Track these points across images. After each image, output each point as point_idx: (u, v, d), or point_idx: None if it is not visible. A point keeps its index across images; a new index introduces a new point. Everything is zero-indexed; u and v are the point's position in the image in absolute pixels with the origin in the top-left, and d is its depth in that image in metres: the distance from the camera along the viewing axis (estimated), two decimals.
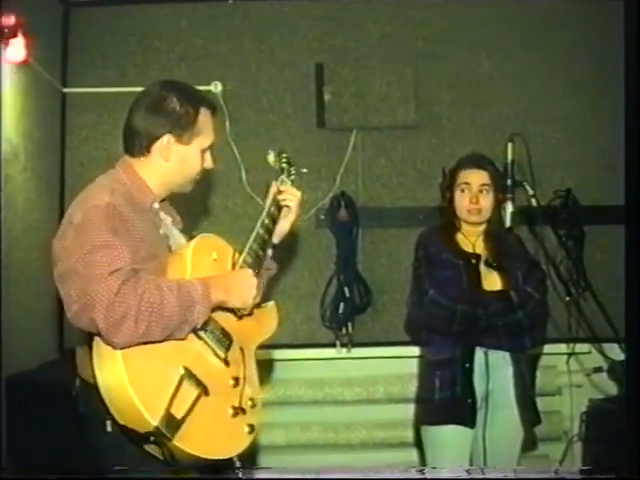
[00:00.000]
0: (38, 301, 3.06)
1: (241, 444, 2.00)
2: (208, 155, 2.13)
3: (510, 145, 2.86)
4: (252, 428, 2.02)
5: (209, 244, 2.10)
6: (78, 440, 2.02)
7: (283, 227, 2.30)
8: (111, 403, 1.87)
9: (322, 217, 3.72)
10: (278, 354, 3.54)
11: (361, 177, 3.75)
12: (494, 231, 2.79)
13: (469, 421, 2.71)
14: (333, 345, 3.67)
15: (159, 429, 1.83)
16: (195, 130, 2.07)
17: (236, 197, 3.65)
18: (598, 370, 3.58)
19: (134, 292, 1.84)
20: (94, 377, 1.89)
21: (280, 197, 2.28)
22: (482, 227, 2.81)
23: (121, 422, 1.87)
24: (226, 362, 2.03)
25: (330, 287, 3.70)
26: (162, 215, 2.12)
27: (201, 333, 1.97)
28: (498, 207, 2.80)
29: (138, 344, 1.86)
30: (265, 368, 3.43)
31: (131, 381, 1.84)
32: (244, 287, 2.03)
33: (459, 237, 2.80)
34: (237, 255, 2.12)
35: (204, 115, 2.09)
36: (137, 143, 2.07)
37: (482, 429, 2.71)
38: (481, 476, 2.57)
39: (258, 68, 3.70)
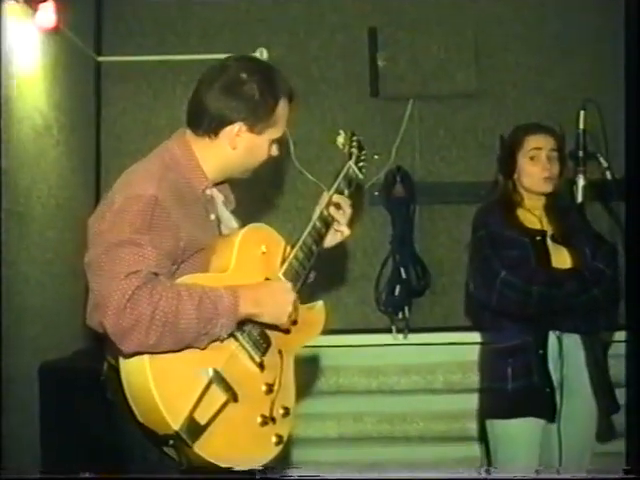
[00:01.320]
0: (73, 284, 3.00)
1: (266, 455, 1.95)
2: (276, 145, 2.07)
3: (582, 113, 2.81)
4: (280, 439, 1.97)
5: (259, 236, 2.04)
6: (106, 429, 2.00)
7: (330, 240, 2.22)
8: (132, 400, 1.84)
9: (376, 193, 3.68)
10: (330, 340, 3.32)
11: (418, 150, 3.71)
12: (557, 204, 2.73)
13: (548, 413, 2.66)
14: (389, 331, 3.63)
15: (179, 434, 1.80)
16: (271, 121, 2.00)
17: (284, 173, 3.61)
18: None
19: (149, 299, 1.77)
20: (119, 369, 1.87)
21: (331, 212, 2.18)
22: (544, 200, 2.73)
23: (141, 420, 1.84)
24: (261, 366, 1.98)
25: (385, 269, 3.66)
26: (214, 193, 2.06)
27: (237, 334, 1.92)
28: (562, 178, 2.77)
29: None
30: (315, 355, 3.40)
31: (155, 380, 1.80)
32: (279, 302, 1.95)
33: (520, 213, 2.75)
34: (288, 249, 2.06)
35: (283, 106, 2.02)
36: (206, 123, 1.98)
37: (557, 420, 2.66)
38: (556, 476, 2.54)
39: (307, 33, 3.68)
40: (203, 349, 1.84)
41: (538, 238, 2.68)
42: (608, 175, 2.71)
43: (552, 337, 2.67)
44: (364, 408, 3.59)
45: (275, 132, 2.02)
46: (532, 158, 2.71)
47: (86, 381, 2.15)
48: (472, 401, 3.22)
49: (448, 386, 3.59)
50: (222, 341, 1.87)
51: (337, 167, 2.29)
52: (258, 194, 3.58)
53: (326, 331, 3.43)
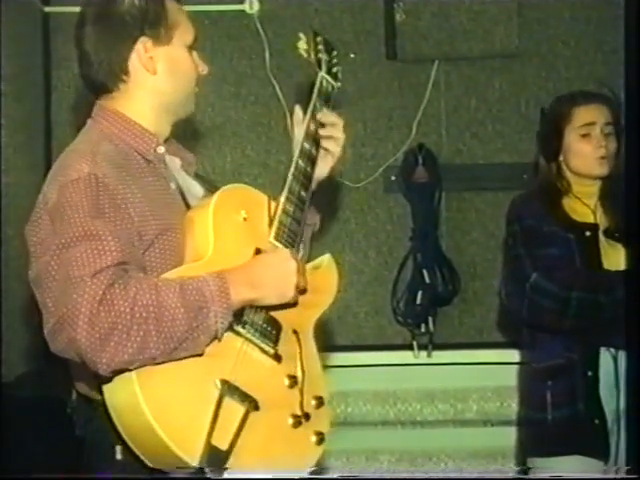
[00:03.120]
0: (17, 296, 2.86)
1: (309, 459, 1.93)
2: (196, 55, 2.01)
3: None
4: (321, 436, 1.93)
5: (234, 200, 1.96)
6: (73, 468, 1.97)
7: (321, 172, 2.12)
8: (131, 441, 1.80)
9: (393, 178, 3.58)
10: (336, 359, 3.34)
11: (445, 124, 3.60)
12: (615, 190, 2.61)
13: (598, 450, 2.54)
14: (409, 347, 3.54)
15: (202, 470, 1.79)
16: (170, 22, 1.96)
17: (279, 149, 3.47)
18: None
19: (124, 295, 1.75)
20: (104, 401, 1.82)
21: (312, 128, 2.09)
22: (599, 186, 2.64)
23: (148, 464, 1.81)
24: (277, 357, 1.94)
25: (404, 270, 3.57)
26: (168, 159, 2.00)
27: (238, 328, 1.87)
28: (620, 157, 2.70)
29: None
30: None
31: (153, 412, 1.75)
32: (279, 276, 1.89)
33: (567, 202, 2.68)
34: (273, 205, 2.00)
35: (171, 5, 1.98)
36: (104, 70, 1.94)
37: (614, 462, 2.53)
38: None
39: None
40: (201, 356, 1.80)
41: (588, 233, 2.58)
42: None
43: (605, 356, 2.55)
44: (379, 443, 3.51)
45: (184, 34, 1.97)
46: (584, 135, 2.60)
47: (45, 413, 2.14)
48: (512, 436, 3.13)
49: (483, 416, 3.52)
50: (221, 340, 1.83)
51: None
52: (248, 176, 3.48)
53: (332, 347, 3.35)
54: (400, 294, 3.55)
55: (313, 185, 2.09)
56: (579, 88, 2.92)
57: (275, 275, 1.89)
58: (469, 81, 3.59)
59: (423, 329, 3.53)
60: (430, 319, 3.53)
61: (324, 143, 2.09)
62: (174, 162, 2.03)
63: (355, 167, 3.47)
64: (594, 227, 2.60)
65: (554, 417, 2.57)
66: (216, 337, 1.82)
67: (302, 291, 1.94)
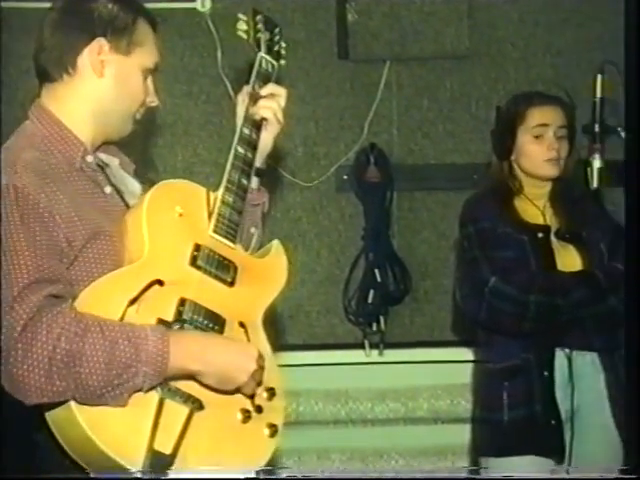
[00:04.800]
0: None
1: (263, 453, 1.89)
2: (151, 85, 1.98)
3: (599, 78, 2.74)
4: (275, 428, 1.90)
5: (169, 196, 1.91)
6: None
7: (265, 144, 2.09)
8: (74, 453, 1.76)
9: (345, 177, 3.62)
10: (288, 358, 3.25)
11: (396, 124, 3.64)
12: (566, 191, 2.69)
13: (554, 451, 2.59)
14: (361, 346, 3.58)
15: (144, 477, 1.76)
16: (134, 38, 1.93)
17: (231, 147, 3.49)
18: None
19: (47, 335, 1.68)
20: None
21: (252, 110, 2.05)
22: (549, 187, 2.70)
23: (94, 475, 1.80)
24: None
25: (356, 270, 3.60)
26: (105, 158, 1.97)
27: (175, 326, 1.83)
28: (571, 159, 2.77)
29: None
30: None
31: (89, 423, 1.71)
32: (232, 368, 1.80)
33: (519, 203, 2.69)
34: (213, 197, 1.96)
35: (144, 26, 1.96)
36: (56, 55, 1.90)
37: (567, 461, 2.60)
38: (553, 476, 2.59)
39: None
40: (123, 406, 1.73)
41: (540, 235, 2.62)
42: None
43: (560, 356, 2.60)
44: (330, 442, 3.54)
45: (145, 56, 1.94)
46: (537, 136, 2.65)
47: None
48: (463, 434, 3.17)
49: (433, 414, 3.56)
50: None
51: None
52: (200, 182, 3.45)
53: (283, 347, 3.36)
54: (352, 293, 3.57)
55: (259, 163, 2.06)
56: (527, 89, 2.93)
57: (228, 364, 1.81)
58: (420, 81, 3.61)
59: (374, 328, 3.54)
60: (381, 318, 3.55)
61: (262, 112, 2.05)
62: (112, 161, 2.00)
63: (307, 166, 3.51)
64: (546, 229, 2.65)
65: (510, 417, 2.59)
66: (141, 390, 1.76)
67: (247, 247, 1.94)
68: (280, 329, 3.44)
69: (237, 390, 1.82)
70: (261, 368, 1.83)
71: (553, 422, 2.56)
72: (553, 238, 2.65)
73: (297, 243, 3.52)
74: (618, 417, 2.60)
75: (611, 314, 2.57)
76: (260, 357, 1.83)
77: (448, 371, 3.47)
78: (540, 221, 2.66)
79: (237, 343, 1.85)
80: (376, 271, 3.55)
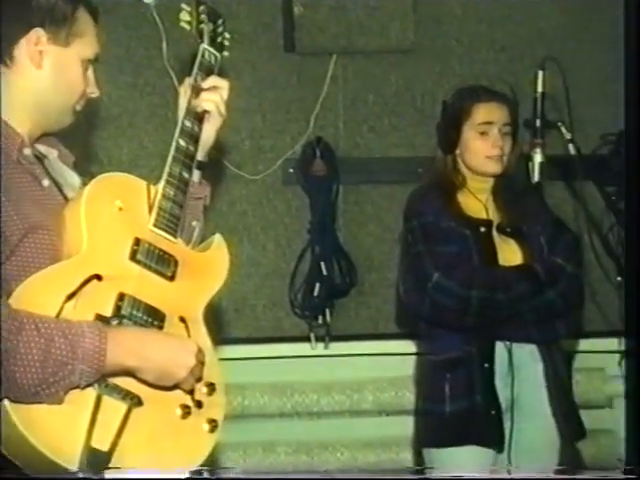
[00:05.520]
0: None
1: (202, 449, 1.87)
2: (92, 75, 1.96)
3: (541, 73, 2.78)
4: (215, 423, 1.87)
5: (108, 189, 1.89)
6: None
7: (207, 137, 2.07)
8: (11, 454, 1.73)
9: (291, 171, 3.62)
10: (234, 351, 3.35)
11: (342, 118, 3.65)
12: (506, 186, 2.72)
13: (494, 440, 2.63)
14: (306, 339, 3.60)
15: (82, 474, 1.74)
16: (74, 29, 1.90)
17: None
18: None
19: None
20: None
21: (194, 102, 2.03)
22: (492, 182, 2.72)
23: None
24: None
25: (302, 263, 3.62)
26: (44, 149, 1.94)
27: (114, 322, 1.81)
28: (514, 155, 2.78)
29: None
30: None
31: (24, 423, 1.69)
32: (171, 364, 1.79)
33: (462, 197, 2.71)
34: (153, 191, 1.93)
35: (84, 17, 1.94)
36: None
37: (507, 449, 2.64)
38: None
39: None
40: (59, 403, 1.71)
41: (483, 229, 2.64)
42: (571, 149, 2.68)
43: (500, 348, 2.64)
44: (276, 435, 3.55)
45: (85, 47, 1.91)
46: (481, 133, 2.66)
47: None
48: (407, 425, 3.19)
49: (378, 407, 3.57)
50: None
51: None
52: (147, 178, 3.43)
53: (228, 340, 3.37)
54: (298, 286, 3.57)
55: (200, 157, 2.05)
56: (472, 84, 2.92)
57: (167, 360, 1.79)
58: (366, 75, 3.62)
59: (320, 321, 3.57)
60: (327, 311, 3.57)
61: (204, 105, 2.03)
62: (51, 154, 1.98)
63: (253, 159, 3.51)
64: (488, 223, 2.67)
65: (452, 409, 2.62)
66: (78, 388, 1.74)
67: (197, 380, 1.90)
68: (226, 323, 3.46)
69: (176, 386, 1.81)
70: (201, 363, 1.81)
71: (493, 412, 2.60)
72: (495, 232, 2.66)
73: (243, 236, 3.52)
74: (555, 406, 2.65)
75: (549, 307, 2.61)
76: (200, 352, 1.81)
77: (393, 364, 3.49)
78: (483, 215, 2.68)
79: (176, 338, 1.84)
80: (322, 264, 3.56)
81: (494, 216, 2.69)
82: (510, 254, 2.66)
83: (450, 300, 2.59)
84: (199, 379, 1.84)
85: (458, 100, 2.73)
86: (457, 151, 2.70)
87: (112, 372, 1.75)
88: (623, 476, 2.23)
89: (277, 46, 3.57)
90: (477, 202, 2.69)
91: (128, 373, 1.77)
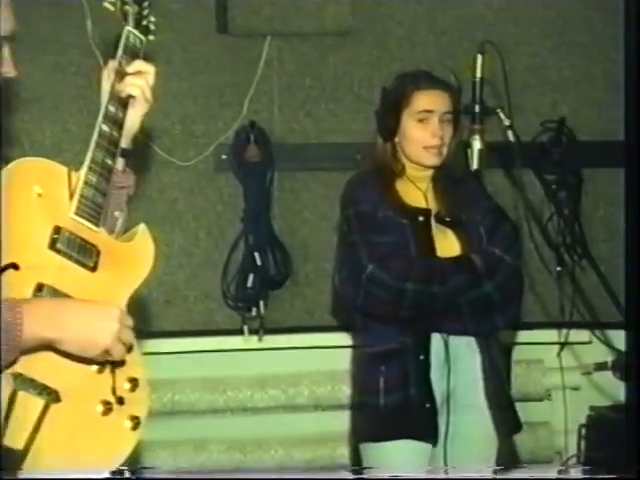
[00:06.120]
0: None
1: (124, 446, 1.87)
2: (7, 53, 1.89)
3: (479, 58, 2.79)
4: (137, 421, 1.87)
5: (26, 174, 1.86)
6: None
7: (132, 123, 2.05)
8: None
9: (224, 157, 3.61)
10: (164, 345, 3.41)
11: (277, 102, 3.65)
12: (446, 174, 2.73)
13: (428, 434, 2.66)
14: (239, 332, 3.59)
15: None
16: None
17: None
18: (601, 367, 3.55)
19: None
20: None
21: (119, 87, 2.01)
22: (431, 171, 2.73)
23: None
24: None
25: (235, 253, 3.62)
26: None
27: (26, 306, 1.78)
28: (455, 143, 2.79)
29: None
30: (146, 363, 3.32)
31: None
32: (95, 327, 1.76)
33: (401, 186, 2.71)
34: (75, 177, 1.91)
35: None
36: None
37: (443, 442, 2.67)
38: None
39: None
40: None
41: (421, 219, 2.66)
42: (510, 136, 2.66)
43: (437, 340, 2.66)
44: (208, 433, 3.55)
45: None
46: (421, 121, 2.67)
47: None
48: (345, 421, 3.21)
49: (314, 401, 3.59)
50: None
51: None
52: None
53: (157, 333, 3.35)
54: (231, 277, 3.58)
55: (125, 144, 2.03)
56: (412, 69, 2.92)
57: (88, 327, 1.77)
58: (302, 58, 3.62)
59: (254, 313, 3.57)
60: (261, 303, 3.57)
61: (129, 89, 2.01)
62: None
63: (185, 145, 3.50)
64: (426, 212, 2.68)
65: (387, 402, 2.64)
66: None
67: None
68: (156, 315, 3.45)
69: (105, 355, 1.78)
70: (127, 327, 1.79)
71: (427, 405, 2.62)
72: (433, 222, 2.68)
73: (174, 225, 3.52)
74: (491, 399, 2.67)
75: (486, 299, 2.63)
76: (124, 316, 1.79)
77: (329, 357, 3.52)
78: (422, 204, 2.69)
79: (96, 304, 1.81)
80: (256, 254, 3.56)
81: (433, 205, 2.70)
82: (448, 244, 2.68)
83: (384, 292, 2.61)
84: (129, 348, 1.81)
85: (399, 86, 2.73)
86: (396, 139, 2.71)
87: (32, 346, 1.72)
88: (622, 476, 2.30)
89: (209, 27, 3.55)
90: (416, 191, 2.70)
91: (50, 347, 1.73)
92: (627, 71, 3.56)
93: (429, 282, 2.60)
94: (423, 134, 2.67)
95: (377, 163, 2.75)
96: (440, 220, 2.67)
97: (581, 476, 2.70)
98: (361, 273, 2.60)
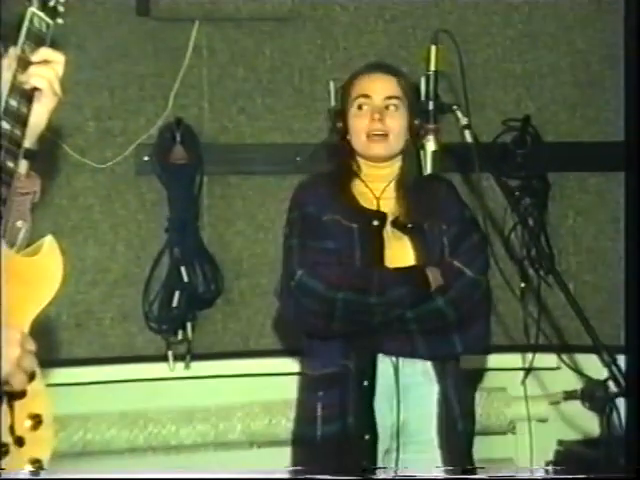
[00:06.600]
0: None
1: None
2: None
3: (433, 48, 2.77)
4: (40, 464, 1.86)
5: None
6: None
7: (37, 120, 1.99)
8: None
9: (146, 158, 3.57)
10: (73, 374, 3.37)
11: (207, 97, 3.62)
12: (410, 177, 2.71)
13: (364, 469, 2.61)
14: (163, 358, 3.56)
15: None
16: None
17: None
18: (570, 396, 3.57)
19: None
20: None
21: (22, 78, 1.95)
22: (392, 169, 2.71)
23: None
24: None
25: (158, 267, 3.58)
26: None
27: None
28: (414, 140, 2.76)
29: None
30: (52, 396, 3.11)
31: None
32: None
33: (356, 187, 2.70)
34: None
35: None
36: None
37: None
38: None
39: None
40: None
41: (375, 223, 2.63)
42: (468, 136, 2.63)
43: (385, 364, 2.63)
44: (126, 474, 3.14)
45: None
46: (360, 107, 2.65)
47: None
48: (283, 458, 3.15)
49: (249, 437, 3.56)
50: None
51: None
52: None
53: (65, 361, 3.26)
54: (153, 296, 3.53)
55: (29, 143, 1.99)
56: (357, 57, 2.96)
57: None
58: (235, 46, 3.58)
59: (180, 336, 3.53)
60: (188, 324, 3.53)
61: (33, 81, 1.97)
62: None
63: (100, 144, 3.44)
64: (381, 216, 2.64)
65: (323, 433, 2.63)
66: None
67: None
68: (66, 340, 3.38)
69: (3, 385, 1.76)
70: (29, 353, 1.77)
71: (367, 437, 2.58)
72: (389, 227, 2.65)
73: (87, 236, 3.45)
74: (444, 436, 2.62)
75: (439, 316, 2.58)
76: (26, 340, 1.77)
77: (266, 386, 3.48)
78: (377, 207, 2.66)
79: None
80: (182, 269, 3.52)
81: (392, 209, 2.67)
82: (402, 253, 2.65)
83: (313, 302, 2.59)
84: (31, 376, 1.80)
85: (348, 77, 2.72)
86: (348, 135, 2.68)
87: None
88: (624, 475, 2.29)
89: (128, 9, 3.50)
90: (373, 192, 2.68)
91: None
92: (627, 72, 3.52)
93: (364, 292, 2.57)
94: (361, 122, 2.65)
95: (333, 163, 2.75)
96: (398, 226, 2.65)
97: (579, 476, 2.73)
98: (290, 280, 2.58)
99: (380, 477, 2.60)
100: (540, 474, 2.86)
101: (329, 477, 2.54)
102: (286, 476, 2.70)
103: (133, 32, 3.52)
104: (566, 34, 3.67)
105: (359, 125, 2.65)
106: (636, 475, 2.26)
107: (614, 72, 3.57)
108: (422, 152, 2.77)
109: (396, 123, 2.66)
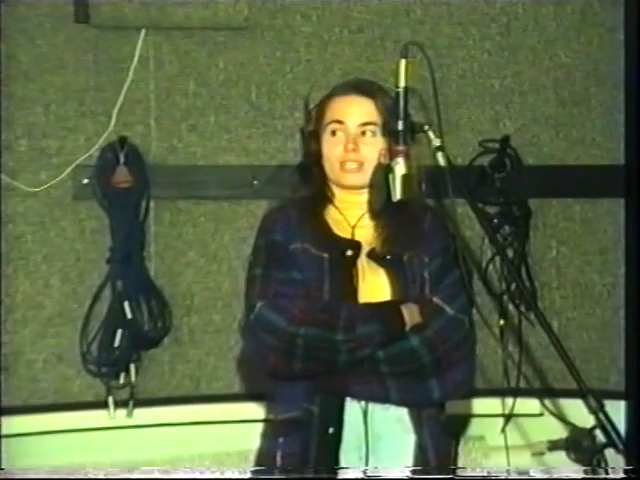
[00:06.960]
0: None
1: None
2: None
3: (403, 62, 2.65)
4: None
5: None
6: None
7: None
8: None
9: (86, 181, 3.55)
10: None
11: (154, 113, 3.62)
12: (391, 203, 2.64)
13: None
14: (103, 405, 3.52)
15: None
16: None
17: None
18: (555, 446, 3.55)
19: None
20: None
21: None
22: (370, 197, 2.69)
23: None
24: None
25: (99, 303, 3.55)
26: None
27: None
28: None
29: None
30: None
31: None
32: None
33: (330, 215, 2.74)
34: None
35: None
36: None
37: None
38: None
39: None
40: None
41: (349, 253, 2.61)
42: (441, 159, 2.56)
43: (354, 410, 2.59)
44: None
45: None
46: (334, 133, 2.64)
47: None
48: None
49: None
50: None
51: None
52: None
53: None
54: (92, 335, 3.50)
55: None
56: (321, 71, 2.88)
57: None
58: (186, 58, 3.58)
59: (122, 380, 3.50)
60: (132, 366, 3.51)
61: None
62: None
63: (33, 165, 3.45)
64: (356, 245, 2.63)
65: None
66: None
67: None
68: None
69: None
70: None
71: None
72: (364, 259, 2.63)
73: (18, 267, 3.44)
74: None
75: (413, 358, 2.54)
76: None
77: (219, 435, 3.48)
78: (352, 236, 2.65)
79: None
80: (125, 304, 3.51)
81: (368, 238, 2.65)
82: (377, 287, 2.63)
83: (273, 337, 2.57)
84: None
85: (323, 97, 2.70)
86: (322, 160, 2.67)
87: None
88: (624, 476, 2.30)
89: (65, 15, 3.49)
90: (347, 220, 2.68)
91: None
92: (627, 91, 3.50)
93: (331, 328, 2.55)
94: (334, 149, 2.65)
95: (306, 189, 2.74)
96: (374, 257, 2.63)
97: (579, 476, 2.76)
98: (250, 313, 2.57)
99: None
100: None
101: None
102: None
103: (71, 41, 3.51)
104: (548, 47, 3.66)
105: (332, 153, 2.67)
106: (637, 476, 2.23)
107: (601, 89, 3.55)
108: (391, 176, 2.76)
109: (373, 150, 2.64)
